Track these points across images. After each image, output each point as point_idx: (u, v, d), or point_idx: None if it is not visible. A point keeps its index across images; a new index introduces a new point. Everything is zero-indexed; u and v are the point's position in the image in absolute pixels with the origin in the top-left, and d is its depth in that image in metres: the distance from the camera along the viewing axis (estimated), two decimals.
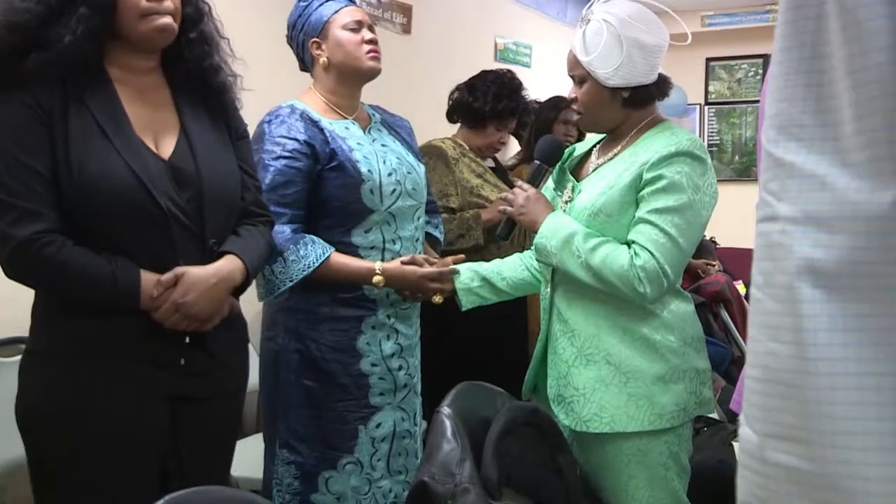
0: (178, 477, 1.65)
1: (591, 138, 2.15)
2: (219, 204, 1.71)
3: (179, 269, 1.61)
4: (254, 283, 2.06)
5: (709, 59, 6.73)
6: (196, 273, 1.63)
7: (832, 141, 0.71)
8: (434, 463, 1.57)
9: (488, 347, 2.92)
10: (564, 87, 5.01)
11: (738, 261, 4.70)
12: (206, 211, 1.67)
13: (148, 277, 1.59)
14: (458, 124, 3.21)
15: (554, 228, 1.88)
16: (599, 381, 1.86)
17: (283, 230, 2.00)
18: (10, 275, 1.57)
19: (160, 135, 1.67)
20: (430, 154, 2.97)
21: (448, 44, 4.26)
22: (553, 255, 1.87)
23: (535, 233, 1.94)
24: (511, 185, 3.21)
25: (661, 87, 1.92)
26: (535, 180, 2.05)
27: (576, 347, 1.89)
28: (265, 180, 2.00)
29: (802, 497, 0.71)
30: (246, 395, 2.99)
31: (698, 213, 1.81)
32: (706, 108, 6.81)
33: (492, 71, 3.19)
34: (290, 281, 2.00)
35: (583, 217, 1.87)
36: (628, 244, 1.82)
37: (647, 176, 1.80)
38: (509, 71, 3.23)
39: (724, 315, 4.21)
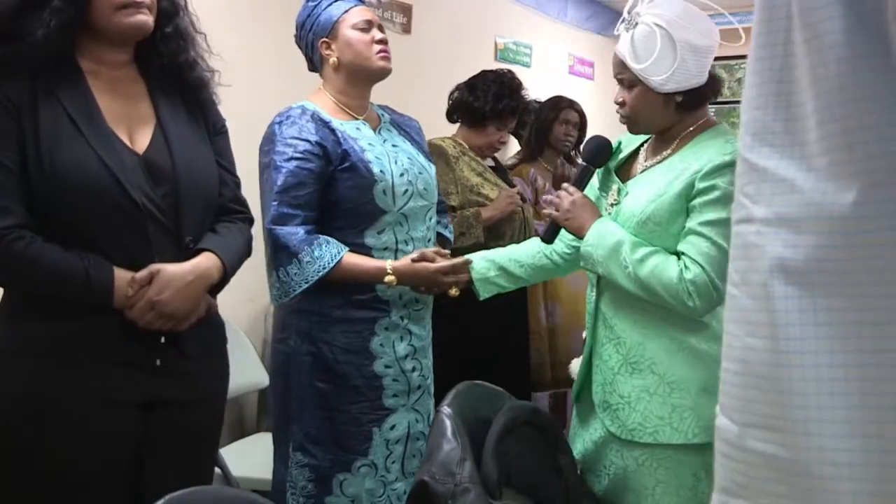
0: (153, 483, 1.61)
1: (626, 135, 2.06)
2: (196, 200, 1.67)
3: (154, 267, 1.58)
4: (268, 285, 2.07)
5: None
6: (172, 270, 1.59)
7: (799, 146, 0.76)
8: (434, 462, 1.58)
9: (489, 347, 2.92)
10: (564, 87, 5.02)
11: None
12: (183, 207, 1.64)
13: (122, 275, 1.56)
14: (458, 124, 3.22)
15: (601, 236, 1.83)
16: (644, 389, 1.83)
17: (296, 231, 1.98)
18: None
19: (135, 128, 1.64)
20: (431, 152, 2.97)
21: (448, 43, 4.26)
22: (599, 264, 1.83)
23: (581, 238, 1.89)
24: (511, 184, 3.23)
25: (714, 86, 1.87)
26: (581, 182, 1.99)
27: (621, 355, 1.86)
28: (277, 182, 1.99)
29: (780, 483, 0.76)
30: (245, 396, 3.02)
31: None
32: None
33: (492, 71, 3.20)
34: (306, 282, 1.99)
35: (630, 224, 1.82)
36: (677, 255, 1.78)
37: (699, 185, 1.75)
38: (509, 71, 3.23)
39: None
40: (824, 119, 0.73)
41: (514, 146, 4.57)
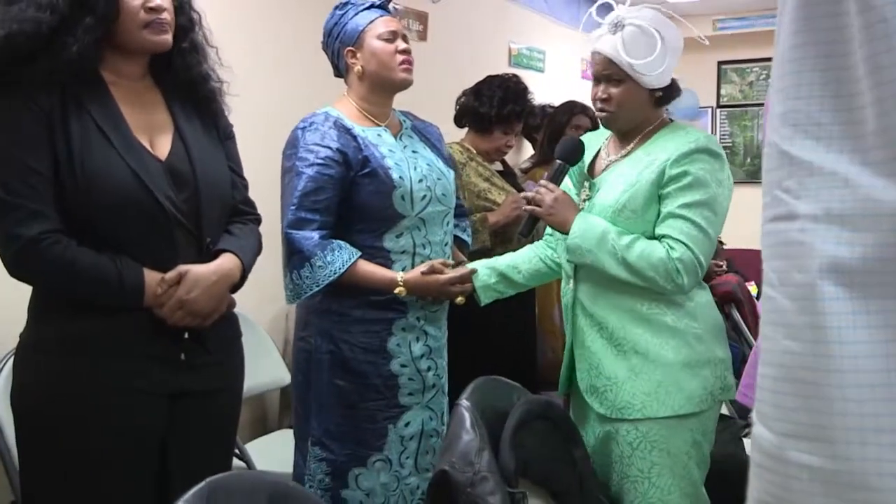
0: (177, 467, 1.67)
1: (591, 136, 2.21)
2: (214, 203, 1.74)
3: (182, 268, 1.65)
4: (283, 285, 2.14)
5: (720, 63, 6.77)
6: (198, 271, 1.67)
7: (852, 139, 0.70)
8: (454, 452, 1.64)
9: (497, 346, 2.96)
10: (577, 92, 5.06)
11: (750, 262, 4.74)
12: (203, 210, 1.71)
13: (151, 275, 1.63)
14: (466, 129, 3.26)
15: (586, 228, 1.94)
16: (630, 370, 1.94)
17: (311, 236, 2.05)
18: (15, 274, 1.60)
19: (155, 136, 1.71)
20: None
21: (463, 50, 4.31)
22: (587, 254, 1.93)
23: (565, 233, 1.98)
24: (519, 188, 3.26)
25: (677, 86, 2.02)
26: (558, 179, 2.09)
27: (604, 339, 1.97)
28: (297, 186, 2.05)
29: (829, 496, 0.70)
30: (268, 393, 3.09)
31: (722, 206, 1.92)
32: (718, 110, 6.84)
33: (497, 76, 3.23)
34: (317, 286, 2.05)
35: (606, 214, 1.94)
36: (658, 238, 1.90)
37: (670, 172, 1.89)
38: (514, 75, 3.27)
39: (736, 315, 4.26)
40: (887, 109, 0.67)
41: (528, 150, 4.64)
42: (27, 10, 1.54)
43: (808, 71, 0.73)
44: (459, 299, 2.23)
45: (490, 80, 3.22)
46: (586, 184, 2.07)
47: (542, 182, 2.07)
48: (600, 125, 2.13)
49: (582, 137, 2.16)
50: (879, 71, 0.68)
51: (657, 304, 1.94)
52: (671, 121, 2.07)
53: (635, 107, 1.99)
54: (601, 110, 2.02)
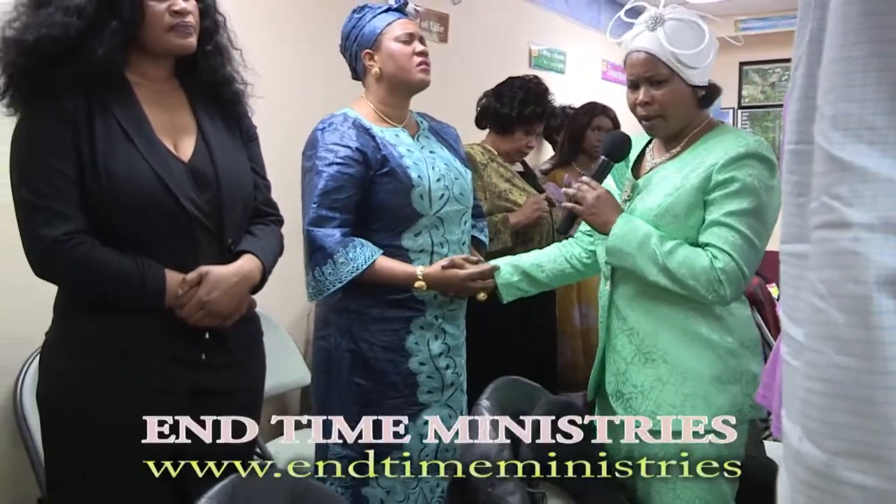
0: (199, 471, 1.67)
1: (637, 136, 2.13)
2: (236, 204, 1.76)
3: (203, 269, 1.67)
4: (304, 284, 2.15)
5: (742, 63, 6.74)
6: (219, 272, 1.69)
7: None
8: (474, 452, 1.65)
9: (519, 347, 2.96)
10: (598, 93, 5.04)
11: (771, 264, 4.71)
12: (225, 212, 1.72)
13: (173, 276, 1.65)
14: (487, 130, 3.27)
15: (627, 230, 1.87)
16: (657, 379, 1.89)
17: (332, 234, 2.06)
18: (40, 273, 1.62)
19: (179, 138, 1.73)
20: None
21: (484, 51, 4.32)
22: (627, 257, 1.87)
23: (605, 234, 1.92)
24: (540, 190, 3.27)
25: (716, 85, 1.96)
26: (601, 177, 2.00)
27: (634, 345, 1.92)
28: (318, 185, 2.07)
29: None
30: (289, 393, 3.11)
31: (770, 215, 1.82)
32: (739, 111, 6.81)
33: (518, 77, 3.24)
34: (339, 282, 2.06)
35: (648, 217, 1.88)
36: (701, 246, 1.83)
37: (717, 178, 1.81)
38: (535, 77, 3.28)
39: (757, 317, 4.24)
40: None
41: (548, 151, 4.64)
42: (55, 15, 1.57)
43: (861, 72, 0.70)
44: (481, 295, 2.22)
45: (511, 81, 3.23)
46: (628, 184, 2.00)
47: (585, 179, 1.98)
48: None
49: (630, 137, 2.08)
50: None
51: (693, 314, 1.87)
52: (720, 122, 1.99)
53: (681, 108, 1.90)
54: (645, 117, 1.92)
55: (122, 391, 1.63)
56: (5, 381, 2.22)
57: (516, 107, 3.13)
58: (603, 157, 2.02)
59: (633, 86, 1.93)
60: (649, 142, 2.06)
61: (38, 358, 1.91)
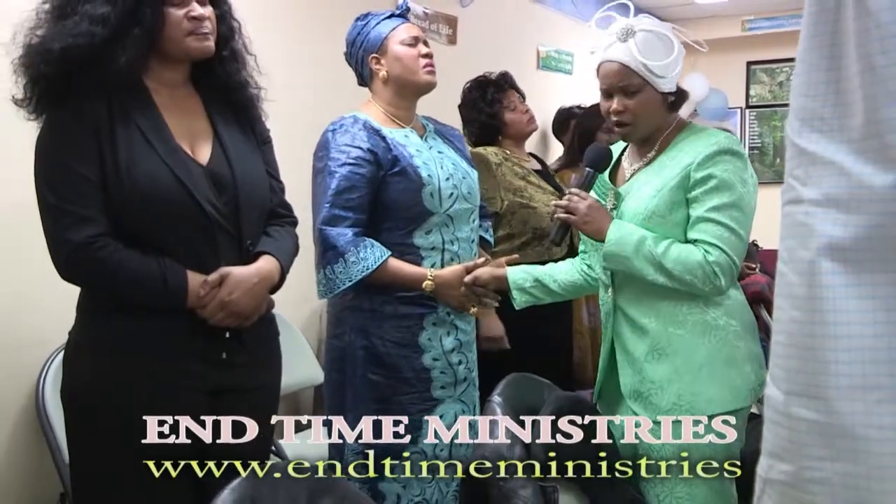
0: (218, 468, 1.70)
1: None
2: (253, 207, 1.80)
3: (224, 270, 1.70)
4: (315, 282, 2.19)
5: (750, 63, 6.73)
6: (239, 273, 1.72)
7: (848, 131, 0.80)
8: (487, 447, 1.69)
9: (534, 344, 2.99)
10: None
11: (776, 262, 4.73)
12: (242, 213, 1.76)
13: (194, 277, 1.68)
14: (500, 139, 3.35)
15: (622, 235, 1.94)
16: (674, 371, 1.94)
17: (345, 233, 2.11)
18: (66, 277, 1.67)
19: (196, 142, 1.76)
20: (474, 161, 3.07)
21: (492, 53, 4.34)
22: (625, 261, 1.94)
23: (600, 241, 1.98)
24: (557, 188, 3.31)
25: (685, 90, 2.05)
26: (588, 186, 2.08)
27: (646, 343, 1.97)
28: (331, 186, 2.11)
29: (823, 447, 0.81)
30: (302, 391, 3.14)
31: (749, 204, 1.93)
32: (747, 111, 6.81)
33: (465, 88, 3.40)
34: (350, 281, 2.10)
35: (637, 221, 1.96)
36: (691, 242, 1.92)
37: (695, 176, 1.90)
38: (481, 76, 3.42)
39: (765, 315, 4.26)
40: (877, 105, 0.77)
41: (557, 150, 4.66)
42: (81, 24, 1.60)
43: (815, 70, 0.83)
44: (473, 309, 2.26)
45: (465, 96, 3.39)
46: (611, 193, 2.08)
47: (574, 190, 2.05)
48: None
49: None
50: (872, 71, 0.77)
51: (696, 304, 1.95)
52: (689, 122, 2.08)
53: (652, 114, 1.99)
54: (619, 124, 2.01)
55: (145, 389, 1.66)
56: (27, 380, 2.26)
57: (484, 109, 3.27)
58: (588, 169, 2.09)
59: (607, 94, 2.02)
60: (624, 149, 2.14)
61: (59, 356, 1.96)
